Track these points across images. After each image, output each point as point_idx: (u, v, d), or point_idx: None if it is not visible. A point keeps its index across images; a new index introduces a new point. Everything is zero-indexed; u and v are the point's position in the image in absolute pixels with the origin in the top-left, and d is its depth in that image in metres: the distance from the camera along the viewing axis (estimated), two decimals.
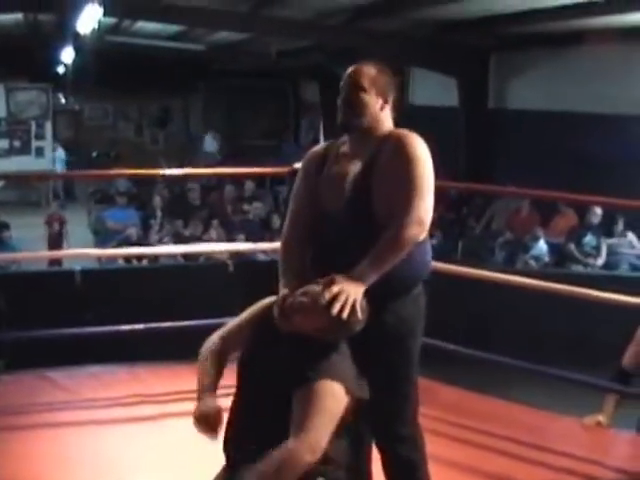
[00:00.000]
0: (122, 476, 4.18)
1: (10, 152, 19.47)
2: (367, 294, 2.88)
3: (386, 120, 3.12)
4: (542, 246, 11.05)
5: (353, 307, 2.80)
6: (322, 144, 3.33)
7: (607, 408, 4.66)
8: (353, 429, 2.94)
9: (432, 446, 3.87)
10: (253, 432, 2.86)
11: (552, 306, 6.35)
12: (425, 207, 2.94)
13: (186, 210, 12.30)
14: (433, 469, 3.65)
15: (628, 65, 11.21)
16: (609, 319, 5.74)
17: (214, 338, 3.08)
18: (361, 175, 3.04)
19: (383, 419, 3.12)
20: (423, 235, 2.99)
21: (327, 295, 2.80)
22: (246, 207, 13.04)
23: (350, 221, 3.03)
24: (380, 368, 3.03)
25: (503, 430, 4.66)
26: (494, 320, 7.59)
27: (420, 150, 3.01)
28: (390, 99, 3.12)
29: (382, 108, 3.10)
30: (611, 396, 4.69)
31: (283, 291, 2.99)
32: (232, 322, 3.11)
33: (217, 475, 3.03)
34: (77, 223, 14.25)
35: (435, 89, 15.36)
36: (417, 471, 3.24)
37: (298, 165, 3.50)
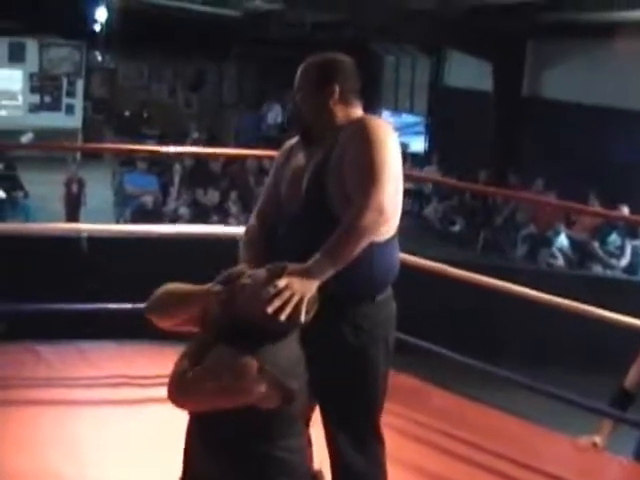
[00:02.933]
0: (94, 461, 4.04)
1: (40, 108, 19.46)
2: (324, 298, 2.64)
3: (344, 109, 2.92)
4: (563, 240, 10.82)
5: (297, 307, 2.54)
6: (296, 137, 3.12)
7: (604, 430, 4.44)
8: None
9: (418, 456, 3.76)
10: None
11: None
12: (385, 193, 2.68)
13: (206, 179, 12.17)
14: None
15: None
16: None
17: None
18: (317, 166, 2.84)
19: (340, 427, 2.91)
20: (384, 225, 2.74)
21: (271, 289, 2.54)
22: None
23: (306, 216, 2.83)
24: (338, 378, 2.83)
25: (494, 445, 4.44)
26: (494, 325, 7.30)
27: (380, 133, 2.78)
28: (340, 86, 2.91)
29: (333, 99, 2.90)
30: (607, 420, 4.48)
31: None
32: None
33: None
34: (102, 182, 14.19)
35: (470, 72, 15.15)
36: None
37: None
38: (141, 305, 5.06)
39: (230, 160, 13.06)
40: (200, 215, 10.88)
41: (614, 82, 11.81)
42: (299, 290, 2.55)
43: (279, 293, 2.53)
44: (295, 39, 19.13)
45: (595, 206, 11.29)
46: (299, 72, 2.98)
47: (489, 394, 5.09)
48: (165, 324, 2.82)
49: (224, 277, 2.75)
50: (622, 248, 10.50)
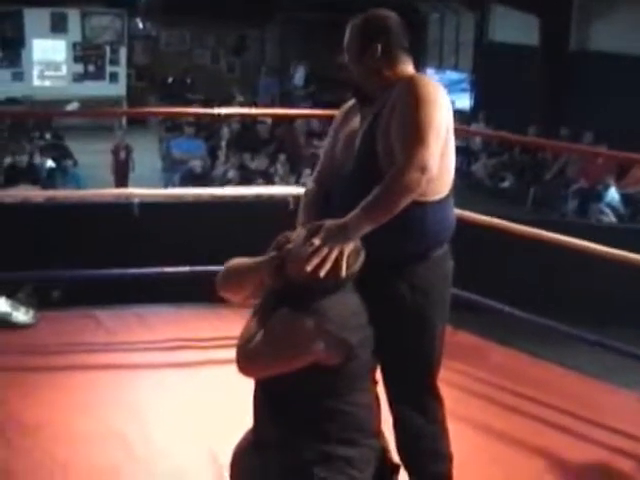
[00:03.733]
0: (156, 422, 4.09)
1: (84, 77, 19.56)
2: (378, 257, 2.65)
3: (392, 67, 2.87)
4: (614, 195, 10.65)
5: (336, 262, 2.54)
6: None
7: None
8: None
9: (482, 414, 3.72)
10: None
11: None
12: (429, 153, 2.63)
13: (254, 143, 12.15)
14: (483, 440, 3.50)
15: None
16: None
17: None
18: (368, 127, 2.82)
19: (398, 386, 2.92)
20: (430, 191, 2.72)
21: (308, 249, 2.54)
22: (316, 142, 12.83)
23: (358, 176, 2.80)
24: (395, 338, 2.81)
25: (557, 400, 4.40)
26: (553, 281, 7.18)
27: (426, 91, 2.72)
28: (383, 44, 2.85)
29: (377, 58, 2.86)
30: None
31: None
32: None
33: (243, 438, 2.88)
34: (149, 150, 14.22)
35: (516, 27, 14.92)
36: (432, 442, 2.99)
37: None
38: (198, 268, 5.17)
39: (277, 122, 13.01)
40: (249, 178, 10.87)
41: None
42: (335, 245, 2.55)
43: (316, 251, 2.54)
44: (337, 1, 18.99)
45: None
46: (346, 33, 2.93)
47: (550, 351, 5.05)
48: (237, 298, 2.85)
49: (276, 243, 2.76)
50: None
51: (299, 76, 20.79)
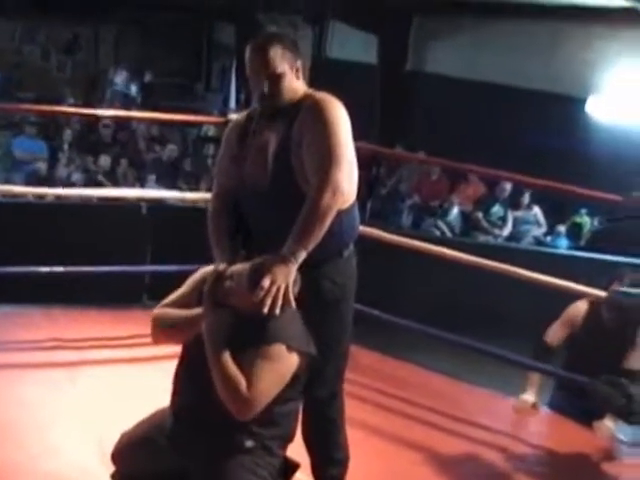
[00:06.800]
0: (40, 424, 4.11)
1: None
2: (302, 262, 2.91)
3: (300, 84, 3.11)
4: (456, 213, 11.23)
5: (285, 296, 2.79)
6: (243, 113, 3.28)
7: (534, 387, 4.81)
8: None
9: (357, 412, 3.98)
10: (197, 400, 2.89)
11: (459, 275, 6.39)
12: (341, 173, 2.90)
13: (96, 146, 12.07)
14: (359, 435, 3.77)
15: (552, 41, 11.46)
16: (515, 292, 5.96)
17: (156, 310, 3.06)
18: (281, 143, 3.02)
19: (318, 377, 3.14)
20: (344, 203, 2.99)
21: (260, 293, 2.76)
22: (158, 148, 12.86)
23: (276, 196, 3.02)
24: (320, 331, 3.04)
25: (423, 399, 4.80)
26: (403, 285, 7.64)
27: (336, 113, 2.99)
28: (299, 64, 3.10)
29: (297, 77, 3.09)
30: (535, 374, 4.84)
31: (216, 266, 2.97)
32: (173, 294, 3.08)
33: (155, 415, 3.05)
34: None
35: (354, 44, 15.32)
36: (338, 433, 3.33)
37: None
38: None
39: (120, 126, 12.97)
40: (92, 181, 10.81)
41: (499, 59, 12.31)
42: (283, 281, 2.79)
43: (267, 293, 2.76)
44: (179, 4, 18.97)
45: (475, 180, 11.79)
46: (255, 51, 3.06)
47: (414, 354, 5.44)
48: (171, 344, 3.09)
49: (201, 280, 2.98)
50: (504, 219, 10.98)
51: (121, 79, 20.52)
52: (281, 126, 3.03)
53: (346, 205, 3.04)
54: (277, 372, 2.79)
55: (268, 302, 2.76)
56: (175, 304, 3.02)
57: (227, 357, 2.77)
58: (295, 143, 2.97)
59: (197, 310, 2.89)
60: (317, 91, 3.11)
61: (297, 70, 3.08)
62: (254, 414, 2.76)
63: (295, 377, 2.85)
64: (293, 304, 2.82)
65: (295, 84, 3.07)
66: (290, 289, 2.81)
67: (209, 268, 3.02)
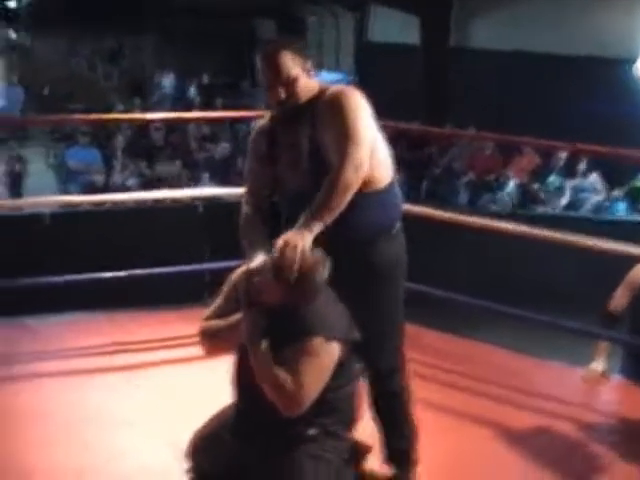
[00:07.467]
0: (103, 428, 4.15)
1: None
2: (352, 241, 3.03)
3: (315, 82, 3.18)
4: (512, 186, 11.14)
5: (301, 254, 2.80)
6: (265, 117, 3.33)
7: (602, 356, 4.74)
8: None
9: (422, 391, 3.94)
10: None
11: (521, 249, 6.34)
12: (362, 151, 3.01)
13: (149, 150, 12.18)
14: (426, 415, 3.73)
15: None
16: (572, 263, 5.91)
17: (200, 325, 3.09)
18: (312, 145, 3.10)
19: (373, 354, 3.19)
20: (377, 183, 3.09)
21: (275, 255, 2.80)
22: (210, 147, 12.94)
23: (312, 191, 3.03)
24: (369, 307, 3.12)
25: (488, 374, 4.75)
26: (463, 262, 7.61)
27: (351, 100, 3.08)
28: (309, 65, 3.16)
29: (310, 77, 3.16)
30: (602, 343, 4.77)
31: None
32: (211, 306, 3.10)
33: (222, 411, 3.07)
34: (34, 162, 14.02)
35: (395, 26, 15.27)
36: (402, 408, 3.39)
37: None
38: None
39: (171, 128, 13.07)
40: (150, 185, 10.89)
41: (545, 29, 12.18)
42: (297, 241, 2.83)
43: (282, 252, 2.80)
44: (216, 7, 19.08)
45: (529, 152, 11.65)
46: (265, 60, 3.13)
47: (474, 330, 5.39)
48: (224, 354, 3.07)
49: (233, 286, 3.00)
50: (561, 188, 10.86)
51: (169, 82, 20.73)
52: (305, 124, 3.12)
53: (384, 184, 3.14)
54: (319, 366, 2.79)
55: (286, 263, 2.78)
56: (215, 315, 3.05)
57: (268, 356, 2.78)
58: (321, 136, 3.08)
59: (237, 315, 2.92)
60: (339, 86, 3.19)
61: (309, 71, 3.16)
62: (303, 409, 2.77)
63: (340, 365, 2.85)
64: (319, 276, 2.82)
65: (310, 83, 3.15)
66: (306, 251, 2.82)
67: (237, 272, 3.05)
